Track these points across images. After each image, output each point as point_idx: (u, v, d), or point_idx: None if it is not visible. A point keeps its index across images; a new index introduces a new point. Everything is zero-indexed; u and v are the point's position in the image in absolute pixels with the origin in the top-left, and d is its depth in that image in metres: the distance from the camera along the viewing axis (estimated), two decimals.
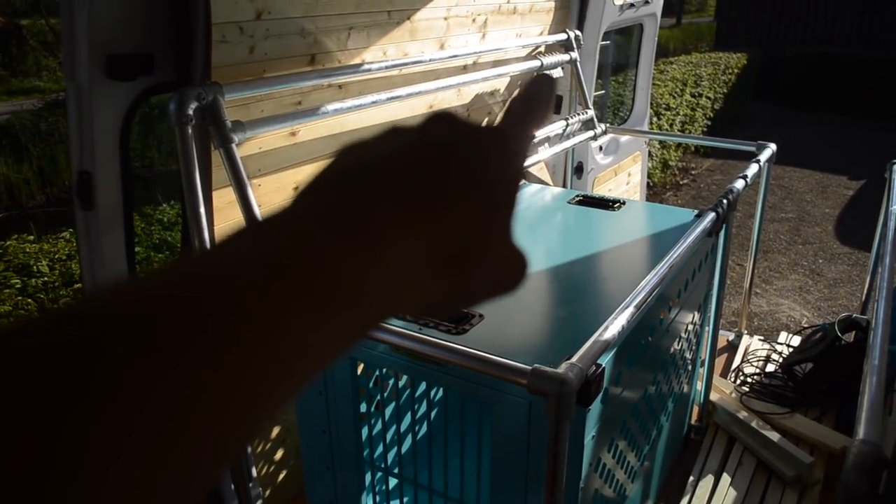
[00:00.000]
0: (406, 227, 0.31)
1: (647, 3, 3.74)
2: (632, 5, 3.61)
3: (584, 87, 3.32)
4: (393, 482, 1.95)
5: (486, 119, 2.99)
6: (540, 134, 3.11)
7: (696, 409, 2.87)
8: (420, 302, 0.34)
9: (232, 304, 0.25)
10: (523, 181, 0.39)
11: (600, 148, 3.73)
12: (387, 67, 2.28)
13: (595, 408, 1.52)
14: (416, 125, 0.36)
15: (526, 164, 0.41)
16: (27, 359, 0.21)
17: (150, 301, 0.24)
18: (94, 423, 0.21)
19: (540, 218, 2.62)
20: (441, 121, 0.37)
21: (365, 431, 1.85)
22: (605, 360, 1.46)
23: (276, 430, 2.26)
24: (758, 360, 3.33)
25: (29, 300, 3.81)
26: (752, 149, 2.96)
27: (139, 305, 0.24)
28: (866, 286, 3.48)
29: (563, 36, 3.22)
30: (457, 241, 0.33)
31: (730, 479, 2.61)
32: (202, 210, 1.75)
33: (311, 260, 0.28)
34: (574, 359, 1.35)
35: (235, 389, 0.24)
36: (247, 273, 0.26)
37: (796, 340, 3.51)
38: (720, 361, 3.37)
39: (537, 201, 2.76)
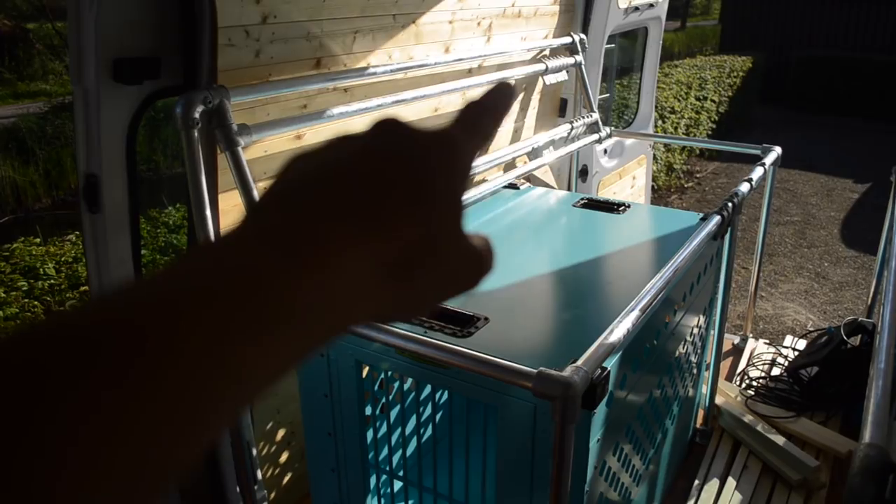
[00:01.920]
0: (350, 240, 0.32)
1: (651, 6, 3.75)
2: (636, 9, 3.61)
3: (589, 91, 3.32)
4: (398, 485, 1.95)
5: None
6: (545, 137, 3.12)
7: (701, 413, 2.87)
8: (371, 311, 0.34)
9: (171, 325, 0.26)
10: (471, 184, 0.39)
11: (605, 151, 3.73)
12: (392, 71, 2.29)
13: (600, 411, 1.52)
14: (362, 133, 0.37)
15: (474, 169, 0.40)
16: None
17: (92, 325, 0.25)
18: (42, 439, 0.22)
19: (545, 221, 2.62)
20: (387, 127, 0.37)
21: (370, 434, 1.85)
22: (611, 364, 1.46)
23: (281, 433, 2.26)
24: (763, 364, 3.32)
25: (35, 302, 3.83)
26: (757, 152, 2.96)
27: (83, 330, 0.25)
28: (872, 289, 3.48)
29: (567, 39, 3.22)
30: (403, 249, 0.34)
31: (735, 483, 2.60)
32: (208, 213, 1.75)
33: (251, 278, 0.29)
34: (579, 362, 1.35)
35: (177, 403, 0.25)
36: (188, 294, 0.28)
37: (802, 344, 3.50)
38: (725, 365, 3.36)
39: (542, 204, 2.76)
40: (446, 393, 2.05)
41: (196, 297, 0.27)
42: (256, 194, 1.80)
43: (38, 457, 0.22)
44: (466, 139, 0.39)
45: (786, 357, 3.36)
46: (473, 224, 2.51)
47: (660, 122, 8.42)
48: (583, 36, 3.28)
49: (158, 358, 0.25)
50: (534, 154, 3.08)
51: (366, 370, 1.77)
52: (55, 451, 0.22)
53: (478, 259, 0.38)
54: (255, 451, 1.91)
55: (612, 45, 3.89)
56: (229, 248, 0.31)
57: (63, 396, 0.23)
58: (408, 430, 1.88)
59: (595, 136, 3.34)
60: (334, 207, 0.32)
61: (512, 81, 3.04)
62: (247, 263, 0.29)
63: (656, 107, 5.13)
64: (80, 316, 0.26)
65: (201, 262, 0.30)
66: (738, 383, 3.18)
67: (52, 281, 4.06)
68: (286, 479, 2.33)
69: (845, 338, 3.05)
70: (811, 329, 4.94)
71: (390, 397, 1.88)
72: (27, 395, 0.23)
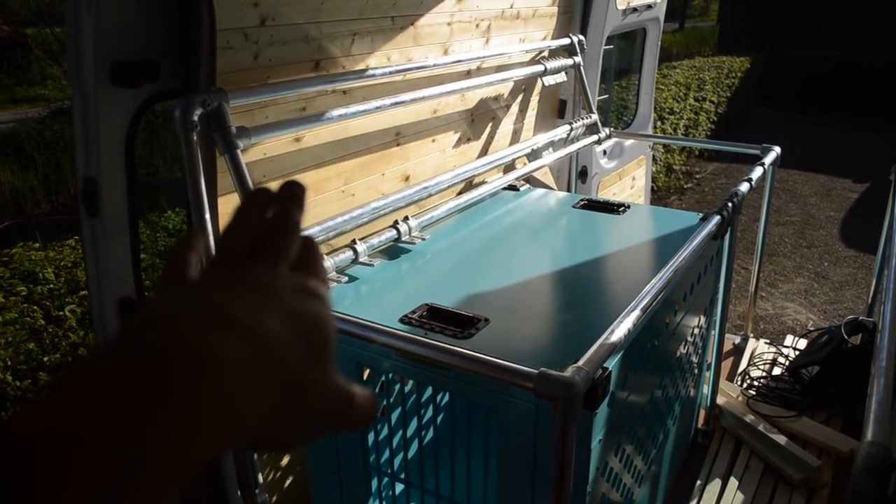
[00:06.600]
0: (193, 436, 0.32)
1: (649, 7, 3.75)
2: (635, 10, 3.61)
3: (588, 92, 3.32)
4: (399, 487, 1.95)
5: (489, 123, 2.99)
6: (544, 138, 3.12)
7: (702, 413, 2.86)
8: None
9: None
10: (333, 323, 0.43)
11: (604, 152, 3.73)
12: (391, 73, 2.29)
13: (602, 411, 1.52)
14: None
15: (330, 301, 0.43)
16: None
17: None
18: None
19: (545, 222, 2.62)
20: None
21: (371, 437, 1.85)
22: (612, 364, 1.46)
23: None
24: (764, 364, 3.32)
25: (34, 307, 3.82)
26: (757, 152, 2.95)
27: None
28: (872, 288, 3.47)
29: (566, 41, 3.22)
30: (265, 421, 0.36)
31: (737, 483, 2.60)
32: (207, 216, 1.75)
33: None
34: (580, 362, 1.34)
35: None
36: None
37: (802, 343, 3.49)
38: (726, 365, 3.36)
39: (542, 205, 2.76)
40: (447, 395, 2.04)
41: None
42: None
43: None
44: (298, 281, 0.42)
45: (786, 357, 3.36)
46: (473, 226, 2.51)
47: (659, 123, 8.43)
48: (581, 37, 3.28)
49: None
50: (533, 155, 3.08)
51: (367, 372, 1.77)
52: None
53: (340, 405, 0.41)
54: (255, 455, 1.91)
55: (611, 47, 3.89)
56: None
57: None
58: (409, 432, 1.88)
59: (594, 137, 3.34)
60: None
61: (510, 83, 3.04)
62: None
63: (655, 108, 5.13)
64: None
65: None
66: (739, 383, 3.18)
67: (52, 286, 4.05)
68: (287, 482, 2.33)
69: (846, 337, 3.05)
70: (812, 328, 4.94)
71: (391, 399, 1.87)
72: None
